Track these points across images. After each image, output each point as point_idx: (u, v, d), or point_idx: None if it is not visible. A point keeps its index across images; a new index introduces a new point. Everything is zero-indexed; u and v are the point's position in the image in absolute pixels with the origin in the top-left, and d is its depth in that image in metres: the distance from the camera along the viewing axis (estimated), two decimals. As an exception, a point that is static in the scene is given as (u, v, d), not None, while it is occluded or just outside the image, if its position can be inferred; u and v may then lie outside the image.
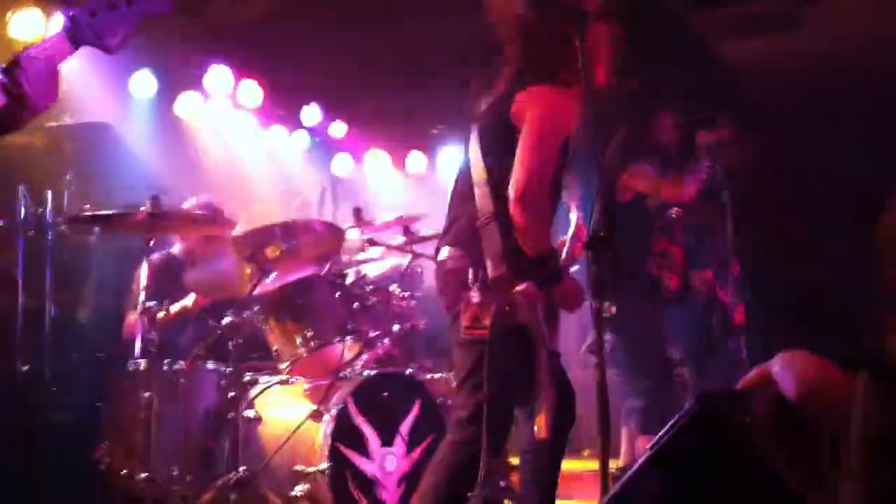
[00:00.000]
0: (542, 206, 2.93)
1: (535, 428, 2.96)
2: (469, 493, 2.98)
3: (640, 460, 1.43)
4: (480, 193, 3.03)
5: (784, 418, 1.42)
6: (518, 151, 2.92)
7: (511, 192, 2.89)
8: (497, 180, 2.99)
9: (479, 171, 3.06)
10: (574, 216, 4.25)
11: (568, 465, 3.46)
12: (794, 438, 1.40)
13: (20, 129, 2.14)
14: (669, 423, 1.40)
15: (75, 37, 2.14)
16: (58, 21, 5.18)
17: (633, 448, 4.90)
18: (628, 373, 4.77)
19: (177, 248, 5.03)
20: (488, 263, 2.93)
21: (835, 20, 6.05)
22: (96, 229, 5.07)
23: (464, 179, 3.17)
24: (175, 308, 4.54)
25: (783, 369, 1.44)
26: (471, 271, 2.96)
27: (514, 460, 4.46)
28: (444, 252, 3.15)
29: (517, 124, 2.97)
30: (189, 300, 4.59)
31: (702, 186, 5.02)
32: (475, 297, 2.93)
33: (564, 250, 3.25)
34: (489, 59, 3.20)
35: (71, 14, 2.14)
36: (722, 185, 6.76)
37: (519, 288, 2.89)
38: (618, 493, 1.45)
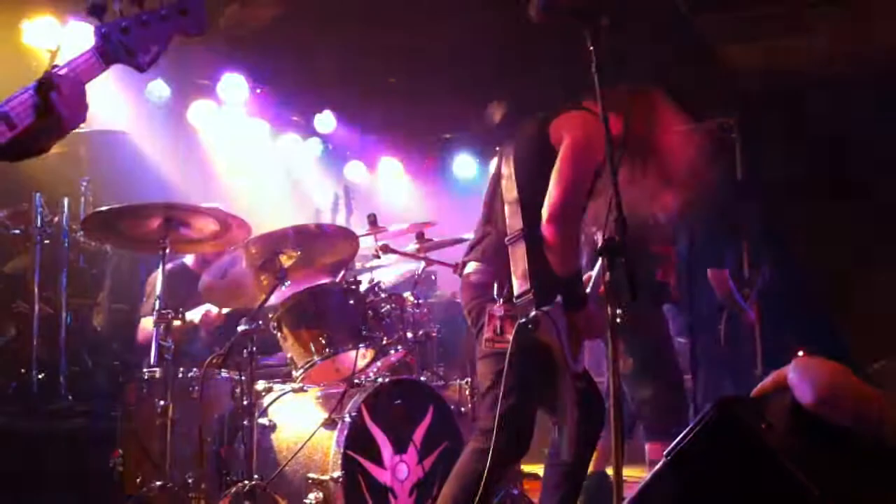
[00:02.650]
0: (572, 227, 2.99)
1: (561, 448, 3.00)
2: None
3: (658, 465, 1.43)
4: (511, 211, 3.09)
5: (800, 424, 1.42)
6: (554, 173, 2.98)
7: (544, 211, 2.95)
8: (528, 199, 3.05)
9: (510, 189, 3.12)
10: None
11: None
12: (811, 444, 1.40)
13: (46, 151, 2.09)
14: (687, 429, 1.39)
15: (107, 54, 2.07)
16: (88, 37, 5.20)
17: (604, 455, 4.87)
18: (636, 379, 4.74)
19: (190, 259, 5.04)
20: (514, 280, 2.97)
21: (842, 23, 6.04)
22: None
23: (494, 196, 3.22)
24: (181, 322, 4.53)
25: (799, 376, 1.44)
26: (495, 285, 3.02)
27: (526, 468, 4.46)
28: (470, 267, 3.20)
29: (556, 147, 3.04)
30: (197, 315, 4.57)
31: None
32: (499, 310, 2.97)
33: (590, 285, 3.24)
34: (505, 69, 3.24)
35: (103, 31, 2.07)
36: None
37: (544, 308, 2.91)
38: (636, 497, 1.45)
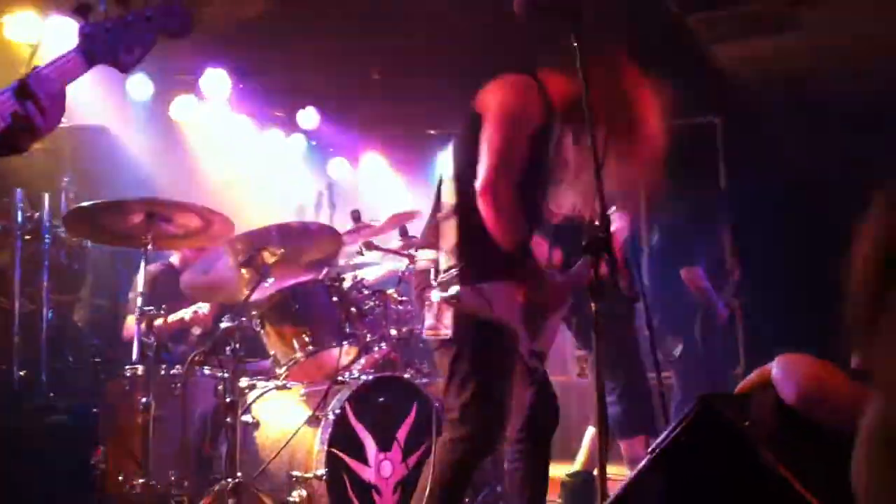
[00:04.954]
0: (508, 197, 2.84)
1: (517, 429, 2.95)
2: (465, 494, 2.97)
3: (642, 463, 1.43)
4: (447, 188, 3.00)
5: (783, 421, 1.42)
6: (482, 143, 2.86)
7: (477, 183, 2.83)
8: (462, 173, 2.96)
9: (448, 167, 3.04)
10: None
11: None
12: (793, 441, 1.40)
13: (23, 151, 2.07)
14: (670, 426, 1.39)
15: (90, 55, 2.06)
16: (69, 32, 5.16)
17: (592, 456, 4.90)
18: (604, 377, 4.75)
19: (175, 258, 5.03)
20: (441, 257, 2.86)
21: (828, 21, 6.06)
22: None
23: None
24: (173, 318, 4.54)
25: (783, 373, 1.44)
26: (432, 270, 2.91)
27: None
28: (420, 254, 3.11)
29: (483, 115, 2.92)
30: (188, 313, 4.57)
31: None
32: (433, 296, 2.87)
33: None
34: (490, 64, 3.19)
35: (86, 31, 2.06)
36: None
37: (485, 285, 2.84)
38: (620, 495, 1.45)
